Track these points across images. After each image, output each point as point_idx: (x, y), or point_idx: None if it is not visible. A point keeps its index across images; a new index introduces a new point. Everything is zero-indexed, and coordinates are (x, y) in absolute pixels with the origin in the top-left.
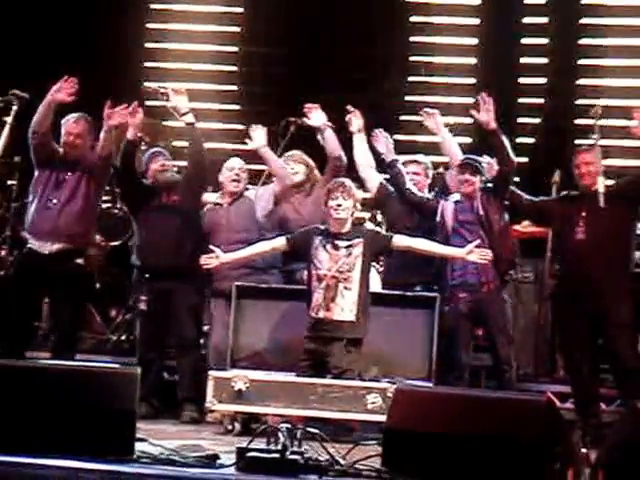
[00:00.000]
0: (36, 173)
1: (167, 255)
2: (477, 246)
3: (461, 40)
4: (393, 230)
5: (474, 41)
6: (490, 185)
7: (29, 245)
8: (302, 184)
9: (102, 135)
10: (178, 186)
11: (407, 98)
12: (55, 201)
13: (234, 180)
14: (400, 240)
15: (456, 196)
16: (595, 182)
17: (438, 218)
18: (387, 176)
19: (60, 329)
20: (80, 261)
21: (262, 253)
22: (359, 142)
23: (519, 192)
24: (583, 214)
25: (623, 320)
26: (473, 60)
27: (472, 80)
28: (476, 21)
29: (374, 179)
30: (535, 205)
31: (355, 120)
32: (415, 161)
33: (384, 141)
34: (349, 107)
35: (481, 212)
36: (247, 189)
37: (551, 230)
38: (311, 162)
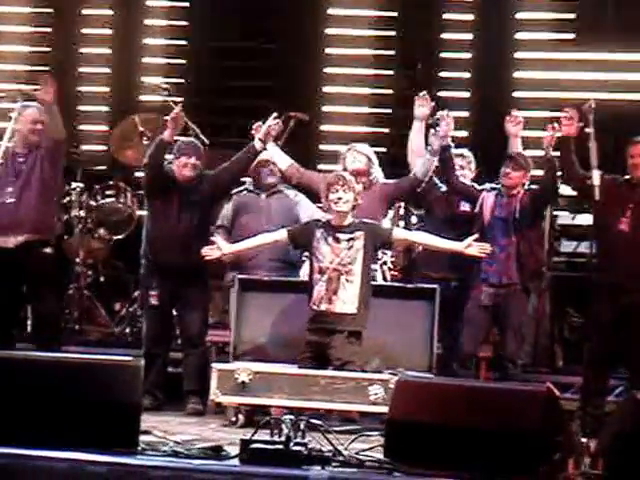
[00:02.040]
0: None
1: (179, 254)
2: (477, 240)
3: None
4: (427, 221)
5: None
6: (535, 188)
7: None
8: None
9: (50, 118)
10: (200, 186)
11: None
12: (11, 192)
13: (269, 175)
14: (399, 233)
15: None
16: None
17: (477, 209)
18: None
19: (41, 319)
20: (49, 250)
21: (264, 245)
22: (418, 130)
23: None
24: (630, 205)
25: None
26: None
27: None
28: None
29: None
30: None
31: (424, 106)
32: (461, 155)
33: (445, 125)
34: (421, 93)
35: (517, 215)
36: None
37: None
38: (374, 157)
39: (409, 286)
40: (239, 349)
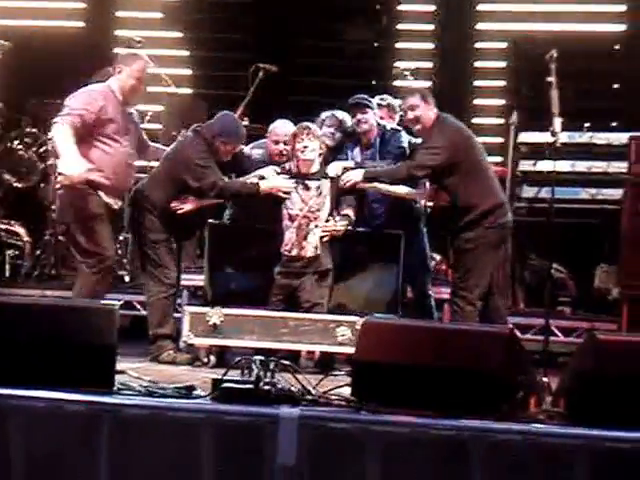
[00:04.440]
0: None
1: None
2: None
3: None
4: None
5: None
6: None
7: (101, 195)
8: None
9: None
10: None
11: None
12: (132, 160)
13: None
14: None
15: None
16: None
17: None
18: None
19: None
20: None
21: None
22: None
23: None
24: None
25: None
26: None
27: None
28: None
29: None
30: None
31: None
32: (385, 104)
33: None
34: None
35: (377, 157)
36: None
37: None
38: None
39: (375, 232)
40: (211, 293)
